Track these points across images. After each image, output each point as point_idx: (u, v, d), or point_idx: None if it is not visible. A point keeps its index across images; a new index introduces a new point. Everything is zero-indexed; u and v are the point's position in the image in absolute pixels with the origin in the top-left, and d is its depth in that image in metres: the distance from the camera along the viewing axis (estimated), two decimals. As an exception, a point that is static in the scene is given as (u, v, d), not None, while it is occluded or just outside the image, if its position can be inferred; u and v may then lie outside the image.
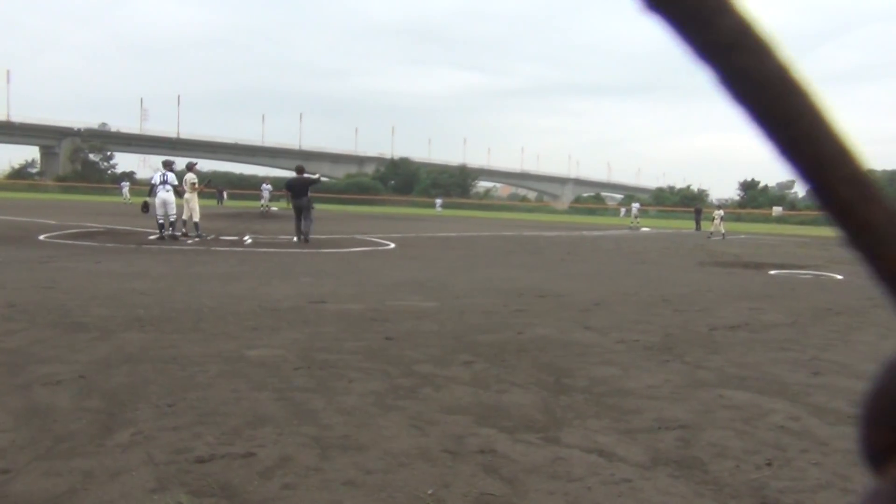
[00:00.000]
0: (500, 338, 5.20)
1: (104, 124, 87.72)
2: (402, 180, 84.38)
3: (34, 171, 79.48)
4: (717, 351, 5.01)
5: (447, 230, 23.35)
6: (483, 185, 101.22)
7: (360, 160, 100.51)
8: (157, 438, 2.89)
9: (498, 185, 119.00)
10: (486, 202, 79.51)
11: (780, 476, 2.74)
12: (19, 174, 75.33)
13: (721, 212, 26.98)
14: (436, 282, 8.50)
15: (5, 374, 3.74)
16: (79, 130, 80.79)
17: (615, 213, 62.65)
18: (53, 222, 17.60)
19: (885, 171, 74.96)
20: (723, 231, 25.67)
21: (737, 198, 75.05)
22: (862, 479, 2.54)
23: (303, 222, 14.20)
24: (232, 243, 13.47)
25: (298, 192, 14.46)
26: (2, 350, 4.25)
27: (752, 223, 51.81)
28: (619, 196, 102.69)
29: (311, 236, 14.15)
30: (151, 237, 13.76)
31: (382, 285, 7.93)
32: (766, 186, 76.59)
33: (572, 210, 74.06)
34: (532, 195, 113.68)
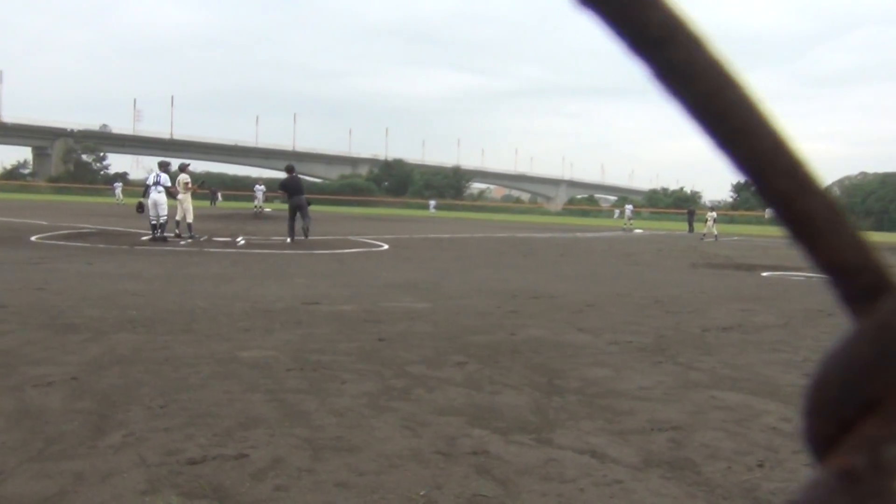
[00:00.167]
0: (493, 339, 5.20)
1: (105, 126, 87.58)
2: (396, 181, 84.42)
3: (26, 171, 79.15)
4: (709, 352, 5.03)
5: (441, 231, 23.36)
6: (477, 186, 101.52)
7: (354, 161, 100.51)
8: (149, 440, 2.87)
9: (492, 186, 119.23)
10: (480, 204, 79.65)
11: (771, 477, 2.75)
12: (11, 175, 75.02)
13: (714, 214, 27.12)
14: (429, 283, 8.50)
15: (-4, 375, 3.72)
16: (71, 131, 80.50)
17: (609, 214, 62.84)
18: (45, 223, 17.51)
19: (876, 174, 75.40)
20: (715, 233, 25.78)
21: (729, 200, 75.36)
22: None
23: (303, 220, 14.28)
24: (225, 244, 13.43)
25: (294, 191, 14.48)
26: (-8, 351, 4.23)
27: (745, 225, 52.03)
28: (612, 198, 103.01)
29: (299, 238, 14.24)
30: (144, 238, 13.71)
31: (376, 286, 7.92)
32: (758, 189, 76.67)
33: (566, 212, 74.26)
34: (526, 197, 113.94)
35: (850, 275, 0.22)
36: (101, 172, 76.33)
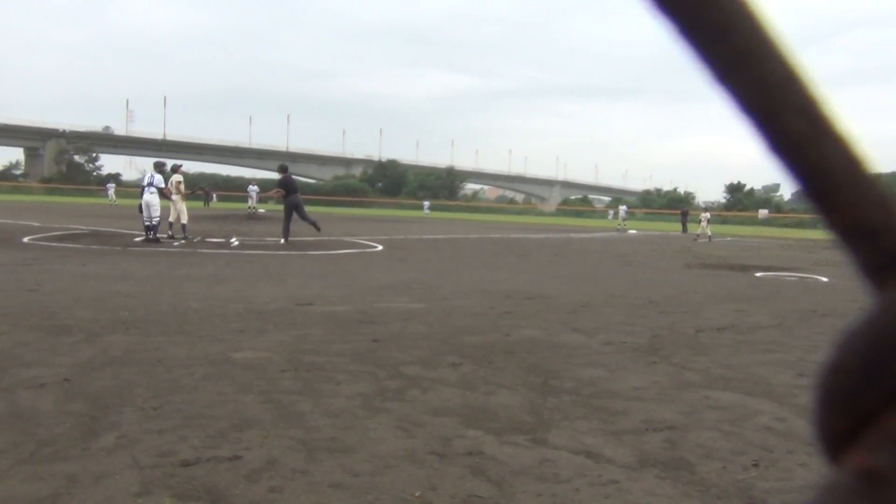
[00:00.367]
0: (487, 339, 5.20)
1: (107, 127, 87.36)
2: (390, 182, 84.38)
3: (18, 172, 78.74)
4: (703, 352, 5.04)
5: (435, 232, 23.34)
6: (471, 187, 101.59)
7: (348, 162, 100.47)
8: (142, 442, 2.86)
9: (486, 187, 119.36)
10: (474, 204, 79.63)
11: (766, 477, 2.76)
12: (3, 176, 74.59)
13: (707, 214, 27.17)
14: (423, 284, 8.50)
15: (-13, 377, 3.69)
16: (64, 132, 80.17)
17: (603, 215, 62.99)
18: (37, 224, 17.42)
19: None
20: (709, 233, 25.85)
21: (723, 200, 75.59)
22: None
23: (304, 220, 14.39)
24: (218, 245, 13.39)
25: (292, 189, 14.50)
26: (-16, 353, 4.20)
27: (739, 226, 52.24)
28: (606, 198, 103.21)
29: (291, 238, 14.29)
30: (137, 239, 13.65)
31: (370, 287, 7.91)
32: (752, 189, 77.18)
33: (560, 212, 74.32)
34: (520, 197, 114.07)
35: (873, 237, 0.19)
36: (94, 173, 76.04)
